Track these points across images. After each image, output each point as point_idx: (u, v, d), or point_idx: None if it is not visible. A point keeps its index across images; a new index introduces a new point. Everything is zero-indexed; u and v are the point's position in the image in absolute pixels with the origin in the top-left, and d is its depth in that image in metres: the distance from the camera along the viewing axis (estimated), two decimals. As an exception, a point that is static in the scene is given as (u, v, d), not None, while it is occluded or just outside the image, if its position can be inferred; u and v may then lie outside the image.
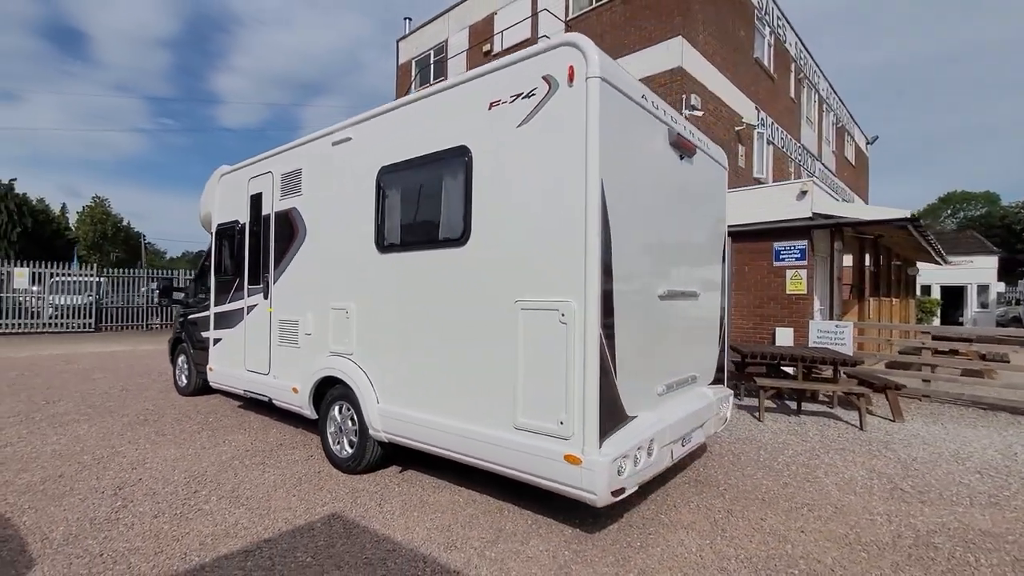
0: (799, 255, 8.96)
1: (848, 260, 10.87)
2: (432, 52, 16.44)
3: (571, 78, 2.79)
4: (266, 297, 5.09)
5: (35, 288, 17.00)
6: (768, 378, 6.60)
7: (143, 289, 19.74)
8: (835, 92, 20.55)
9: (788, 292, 9.06)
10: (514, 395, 3.01)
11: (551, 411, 2.84)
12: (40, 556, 2.86)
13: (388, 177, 3.86)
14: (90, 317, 17.78)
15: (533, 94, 2.98)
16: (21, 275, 16.83)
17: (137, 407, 6.31)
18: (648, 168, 3.31)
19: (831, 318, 9.54)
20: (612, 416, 2.84)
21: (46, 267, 17.44)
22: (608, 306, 2.82)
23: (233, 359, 5.59)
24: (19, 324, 16.48)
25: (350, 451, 4.15)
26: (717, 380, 4.40)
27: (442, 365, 3.46)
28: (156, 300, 18.42)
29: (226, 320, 5.73)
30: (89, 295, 18.21)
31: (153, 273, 20.67)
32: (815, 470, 4.48)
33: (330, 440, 4.32)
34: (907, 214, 8.00)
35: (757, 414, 6.34)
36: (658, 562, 2.92)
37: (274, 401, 4.99)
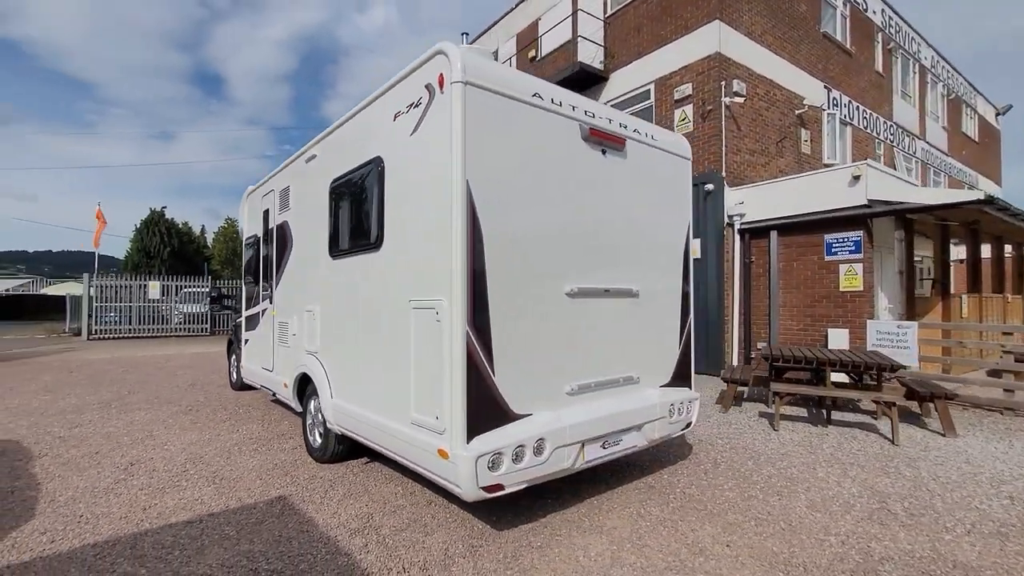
0: (853, 247, 8.02)
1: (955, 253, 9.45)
2: (486, 63, 16.93)
3: (441, 85, 2.90)
4: (271, 302, 5.68)
5: (162, 297, 20.05)
6: (783, 382, 6.02)
7: None
8: (945, 60, 17.87)
9: (842, 289, 8.13)
10: (409, 391, 3.16)
11: (432, 407, 2.95)
12: (40, 513, 3.52)
13: (336, 189, 4.19)
14: (207, 323, 20.56)
15: (420, 103, 3.12)
16: (154, 287, 19.94)
17: (191, 399, 7.30)
18: (549, 165, 3.29)
19: (903, 317, 8.38)
20: (487, 413, 2.87)
21: (176, 280, 20.56)
22: (481, 304, 2.87)
23: (255, 358, 6.29)
24: (153, 329, 19.52)
25: (320, 442, 4.53)
26: (678, 382, 4.16)
27: (367, 363, 3.70)
28: (208, 307, 20.67)
29: (252, 323, 6.47)
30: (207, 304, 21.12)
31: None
32: (797, 484, 4.08)
33: (307, 431, 4.73)
34: (981, 194, 6.83)
35: (774, 422, 5.84)
36: (547, 563, 2.89)
37: (276, 395, 5.55)
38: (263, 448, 4.98)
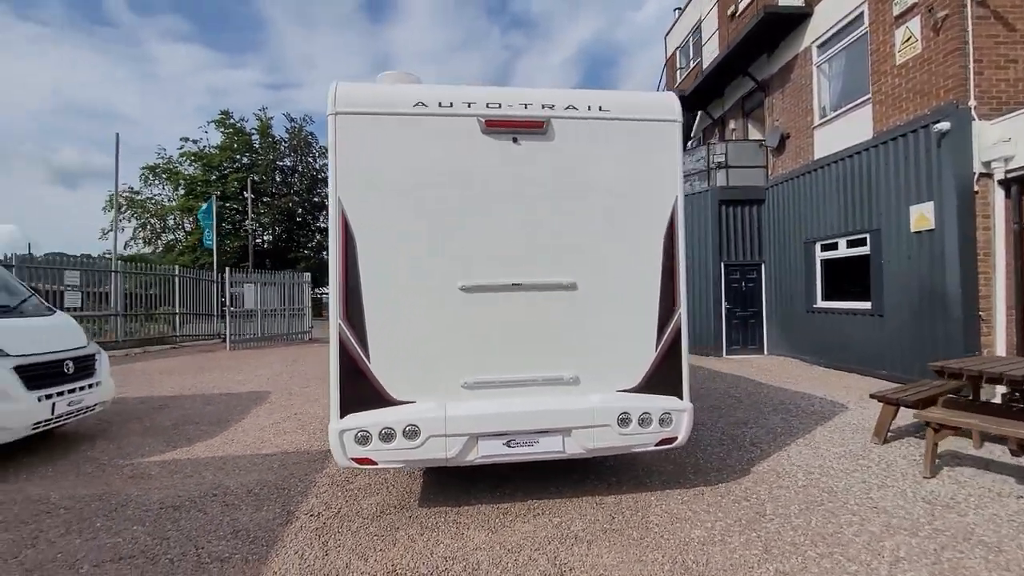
0: None
1: None
2: (690, 37, 15.49)
3: (329, 115, 3.45)
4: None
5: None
6: (956, 409, 4.06)
7: None
8: None
9: None
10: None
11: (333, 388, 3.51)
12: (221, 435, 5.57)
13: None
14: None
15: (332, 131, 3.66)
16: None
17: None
18: (440, 166, 3.42)
19: None
20: (361, 396, 3.28)
21: None
22: (355, 301, 3.31)
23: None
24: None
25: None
26: (652, 389, 3.56)
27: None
28: None
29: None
30: None
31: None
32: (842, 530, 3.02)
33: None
34: None
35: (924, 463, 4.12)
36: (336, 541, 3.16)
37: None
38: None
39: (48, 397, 4.60)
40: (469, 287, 3.42)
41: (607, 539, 3.10)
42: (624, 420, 3.44)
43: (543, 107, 3.52)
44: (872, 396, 5.16)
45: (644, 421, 3.47)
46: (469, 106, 3.45)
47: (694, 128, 15.33)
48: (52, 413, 4.63)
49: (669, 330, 3.60)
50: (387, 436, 3.24)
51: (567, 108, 3.54)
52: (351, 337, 3.30)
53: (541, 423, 3.38)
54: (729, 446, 4.84)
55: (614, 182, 3.61)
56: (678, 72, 16.51)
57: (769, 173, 11.53)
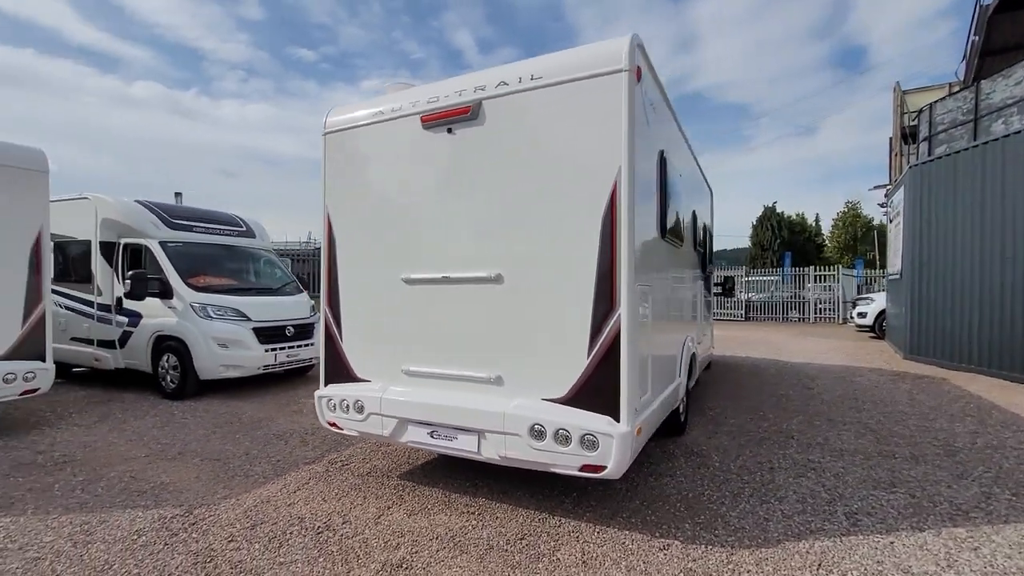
0: None
1: None
2: None
3: (321, 136, 4.10)
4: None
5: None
6: None
7: (809, 285, 22.02)
8: None
9: None
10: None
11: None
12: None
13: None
14: (740, 309, 22.23)
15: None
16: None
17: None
18: (392, 166, 3.67)
19: None
20: (336, 370, 3.89)
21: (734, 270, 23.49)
22: (334, 291, 3.93)
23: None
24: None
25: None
26: (583, 403, 2.98)
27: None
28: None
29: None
30: (768, 292, 22.59)
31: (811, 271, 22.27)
32: None
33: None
34: None
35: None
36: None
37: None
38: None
39: (272, 350, 6.90)
40: (410, 280, 3.59)
41: (476, 558, 2.86)
42: (537, 433, 3.02)
43: (475, 90, 3.34)
44: None
45: (562, 438, 2.95)
46: (413, 105, 3.58)
47: None
48: (275, 360, 6.93)
49: (605, 335, 2.93)
50: (346, 407, 3.76)
51: (499, 86, 3.27)
52: (331, 321, 3.95)
53: (457, 419, 3.30)
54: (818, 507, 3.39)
55: (546, 159, 3.14)
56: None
57: None
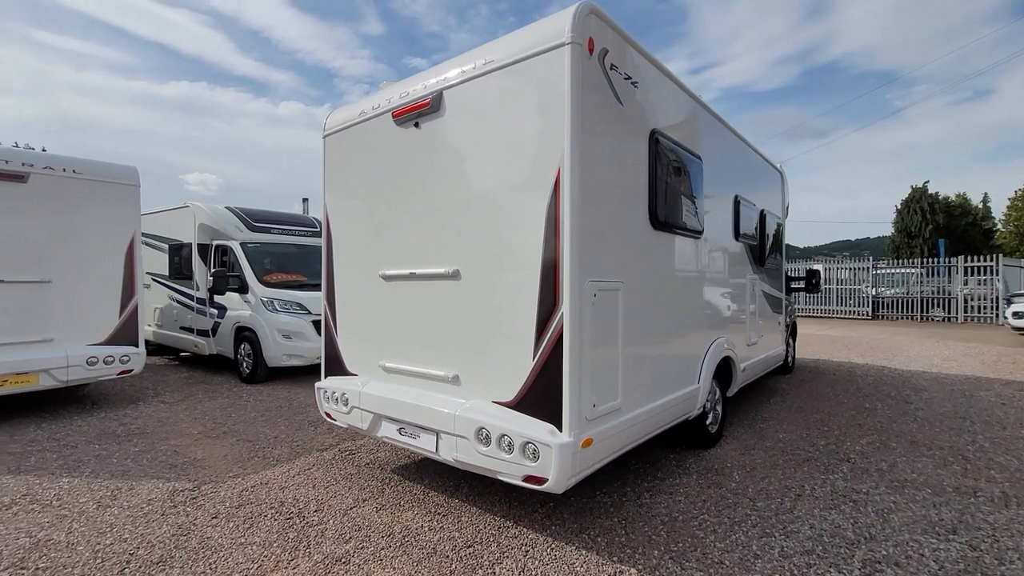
0: None
1: None
2: None
3: (322, 138, 4.26)
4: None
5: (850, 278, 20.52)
6: None
7: (960, 277, 18.73)
8: None
9: None
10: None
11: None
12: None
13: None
14: (866, 306, 19.39)
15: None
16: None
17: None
18: (374, 163, 3.70)
19: None
20: (333, 364, 4.04)
21: (866, 261, 20.60)
22: (330, 287, 4.09)
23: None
24: (818, 309, 20.63)
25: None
26: (530, 408, 2.78)
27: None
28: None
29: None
30: (904, 286, 19.33)
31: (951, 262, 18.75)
32: None
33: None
34: None
35: None
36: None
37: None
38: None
39: (330, 341, 7.41)
40: (387, 276, 3.61)
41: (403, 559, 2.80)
42: (484, 437, 2.87)
43: (437, 81, 3.25)
44: None
45: (505, 445, 2.78)
46: (388, 102, 3.59)
47: None
48: (332, 351, 7.43)
49: (549, 335, 2.69)
50: (336, 400, 3.90)
51: (460, 74, 3.14)
52: (329, 316, 4.11)
53: (418, 418, 3.25)
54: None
55: (499, 147, 2.96)
56: None
57: None
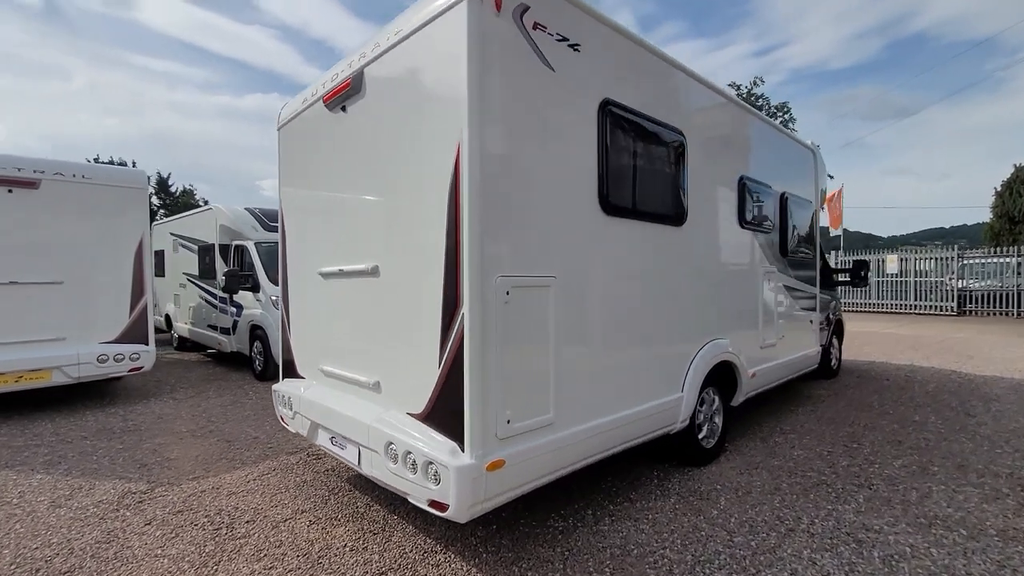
0: None
1: None
2: None
3: (276, 130, 4.08)
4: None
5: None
6: None
7: None
8: None
9: None
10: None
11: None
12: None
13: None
14: (952, 300, 17.27)
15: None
16: (892, 261, 18.91)
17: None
18: (315, 155, 3.48)
19: None
20: (288, 366, 3.87)
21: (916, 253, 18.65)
22: (285, 284, 3.92)
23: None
24: (882, 304, 18.63)
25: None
26: (438, 423, 2.45)
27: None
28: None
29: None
30: (995, 279, 17.13)
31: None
32: None
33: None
34: None
35: None
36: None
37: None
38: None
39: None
40: (323, 273, 3.38)
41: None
42: (393, 454, 2.57)
43: (360, 58, 2.97)
44: None
45: (410, 463, 2.46)
46: (323, 87, 3.34)
47: None
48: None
49: (452, 339, 2.34)
50: (285, 403, 3.73)
51: (374, 47, 2.84)
52: (284, 315, 3.95)
53: (342, 427, 3.00)
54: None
55: (408, 126, 2.64)
56: None
57: None
